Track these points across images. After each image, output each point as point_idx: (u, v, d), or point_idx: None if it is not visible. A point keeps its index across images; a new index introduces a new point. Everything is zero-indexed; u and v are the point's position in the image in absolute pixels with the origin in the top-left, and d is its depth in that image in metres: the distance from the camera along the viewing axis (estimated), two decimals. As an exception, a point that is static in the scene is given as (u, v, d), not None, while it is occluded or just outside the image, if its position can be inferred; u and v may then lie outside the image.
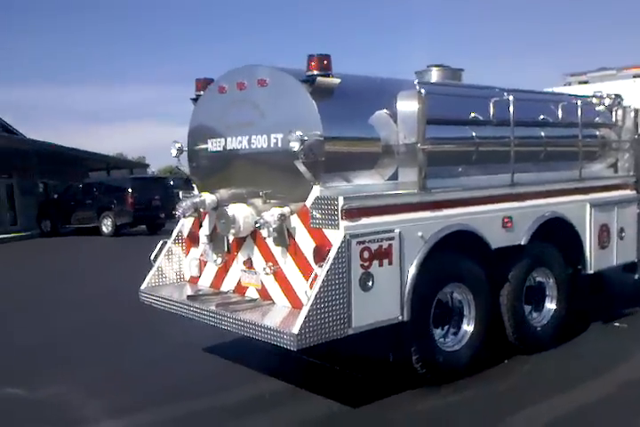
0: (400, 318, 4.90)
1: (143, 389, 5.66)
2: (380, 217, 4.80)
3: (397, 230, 4.84)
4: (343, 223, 4.56)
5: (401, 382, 5.37)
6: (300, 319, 4.33)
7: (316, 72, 4.70)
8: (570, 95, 7.15)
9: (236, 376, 5.88)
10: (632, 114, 7.36)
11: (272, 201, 5.12)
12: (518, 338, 6.06)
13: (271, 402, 5.21)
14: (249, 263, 5.44)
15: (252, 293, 5.45)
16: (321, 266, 4.50)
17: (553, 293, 6.48)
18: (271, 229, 4.89)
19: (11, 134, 29.96)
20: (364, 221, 4.69)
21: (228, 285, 5.72)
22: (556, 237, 6.46)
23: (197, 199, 5.66)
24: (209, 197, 5.69)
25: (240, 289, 5.58)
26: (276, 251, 5.13)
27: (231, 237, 5.53)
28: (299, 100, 4.77)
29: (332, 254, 4.49)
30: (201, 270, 6.06)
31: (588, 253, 6.69)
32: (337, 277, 4.48)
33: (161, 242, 6.21)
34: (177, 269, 6.35)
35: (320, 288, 4.39)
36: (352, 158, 5.04)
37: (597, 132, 7.47)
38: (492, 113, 5.90)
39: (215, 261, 5.69)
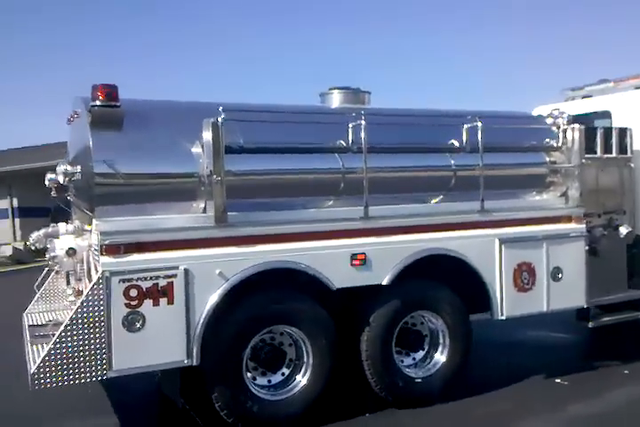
0: (187, 362, 4.56)
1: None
2: (159, 253, 4.51)
3: (182, 267, 4.52)
4: (103, 259, 4.34)
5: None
6: (39, 359, 4.18)
7: (98, 102, 4.54)
8: (495, 115, 6.24)
9: (73, 407, 5.73)
10: (577, 135, 6.29)
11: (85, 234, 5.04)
12: (384, 389, 5.39)
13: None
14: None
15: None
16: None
17: (444, 341, 5.69)
18: (63, 262, 4.80)
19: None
20: (135, 257, 4.43)
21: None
22: (450, 277, 5.69)
23: (50, 229, 5.71)
24: (62, 228, 5.71)
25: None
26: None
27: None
28: (84, 132, 4.65)
29: (85, 292, 4.30)
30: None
31: (497, 297, 5.80)
32: (91, 316, 4.26)
33: (45, 270, 6.28)
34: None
35: (66, 327, 4.22)
36: (153, 192, 4.72)
37: (547, 158, 6.51)
38: (350, 140, 5.34)
39: (65, 291, 5.70)
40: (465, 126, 5.85)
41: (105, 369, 4.31)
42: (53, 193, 5.91)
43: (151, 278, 4.43)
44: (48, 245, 5.20)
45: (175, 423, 5.38)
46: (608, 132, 6.83)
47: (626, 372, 6.45)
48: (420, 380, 5.55)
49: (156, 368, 4.51)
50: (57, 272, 6.25)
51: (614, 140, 6.81)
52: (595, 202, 6.65)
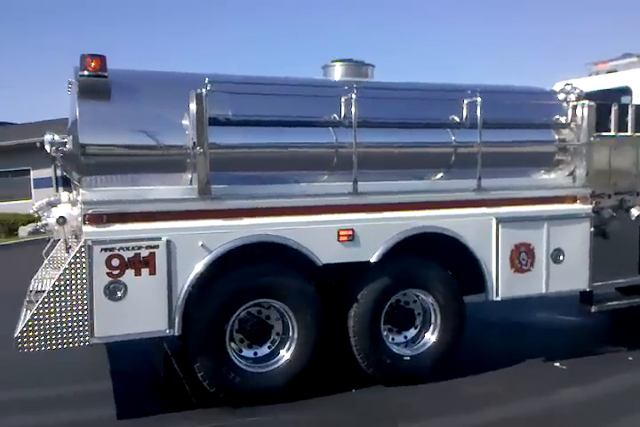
0: (168, 331, 4.65)
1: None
2: (142, 223, 4.59)
3: (165, 238, 4.59)
4: (85, 228, 4.44)
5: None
6: (22, 323, 4.33)
7: (86, 72, 4.60)
8: (495, 90, 6.04)
9: (78, 372, 5.94)
10: (587, 111, 6.06)
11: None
12: (371, 366, 5.39)
13: (64, 403, 5.24)
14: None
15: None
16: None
17: (436, 320, 5.63)
18: (54, 229, 4.93)
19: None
20: (118, 227, 4.52)
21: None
22: (444, 256, 5.62)
23: (53, 198, 5.85)
24: (64, 197, 5.85)
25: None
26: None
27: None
28: (73, 101, 4.73)
29: (67, 260, 4.42)
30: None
31: (492, 277, 5.69)
32: (73, 284, 4.39)
33: (52, 240, 6.45)
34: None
35: (48, 293, 4.35)
36: (140, 163, 4.77)
37: (556, 135, 6.30)
38: (343, 114, 5.27)
39: (65, 259, 5.85)
40: (465, 101, 5.70)
41: (87, 336, 4.44)
42: (58, 162, 6.05)
43: (133, 249, 4.51)
44: (45, 213, 5.35)
45: (167, 390, 5.49)
46: (624, 109, 6.56)
47: (630, 359, 6.28)
48: (408, 358, 5.52)
49: (138, 337, 4.60)
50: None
51: (630, 118, 6.54)
52: (605, 182, 6.41)
